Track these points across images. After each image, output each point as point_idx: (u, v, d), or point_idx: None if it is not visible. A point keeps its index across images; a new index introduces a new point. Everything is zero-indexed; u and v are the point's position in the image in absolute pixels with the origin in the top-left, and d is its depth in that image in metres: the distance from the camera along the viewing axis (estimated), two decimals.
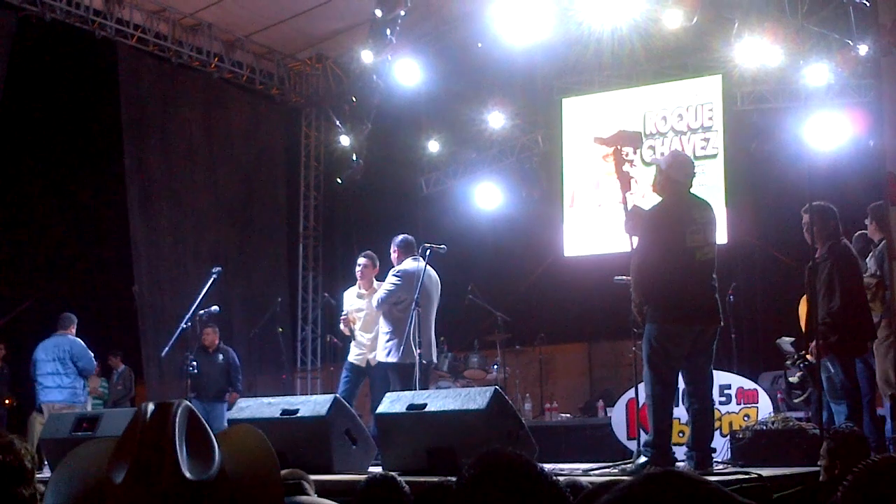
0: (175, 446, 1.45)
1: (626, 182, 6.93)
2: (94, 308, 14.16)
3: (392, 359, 8.94)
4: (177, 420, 1.47)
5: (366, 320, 9.56)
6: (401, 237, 9.35)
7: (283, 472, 4.24)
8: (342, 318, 9.72)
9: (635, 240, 6.76)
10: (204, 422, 1.53)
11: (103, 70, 13.58)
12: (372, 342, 9.45)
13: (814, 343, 7.24)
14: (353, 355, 9.61)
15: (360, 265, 9.66)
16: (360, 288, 9.69)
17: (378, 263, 9.74)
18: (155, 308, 13.62)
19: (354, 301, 9.68)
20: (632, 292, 6.64)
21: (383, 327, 9.11)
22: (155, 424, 1.47)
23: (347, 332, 9.69)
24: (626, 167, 6.94)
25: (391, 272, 9.10)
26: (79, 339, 11.72)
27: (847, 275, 7.40)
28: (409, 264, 9.04)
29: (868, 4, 6.94)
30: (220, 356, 11.96)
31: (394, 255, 9.24)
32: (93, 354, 11.85)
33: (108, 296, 14.35)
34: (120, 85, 13.60)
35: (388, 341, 9.00)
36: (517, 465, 2.10)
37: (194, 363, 10.08)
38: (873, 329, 7.56)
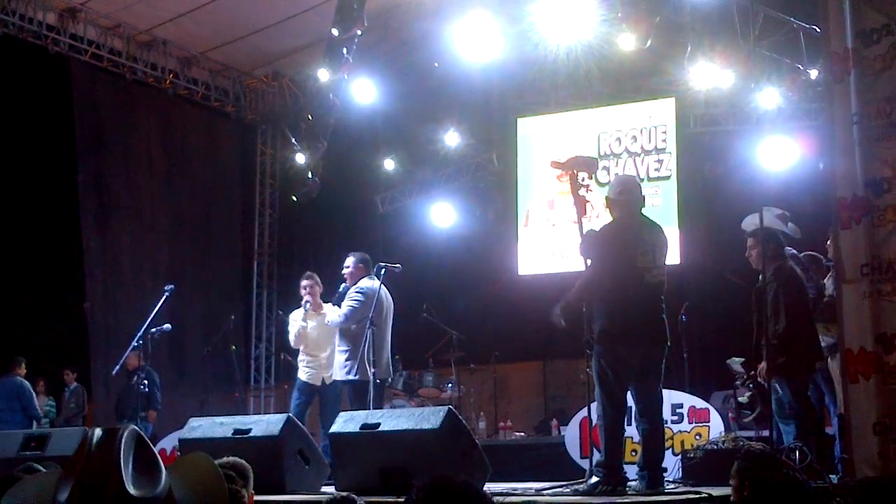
0: (120, 466, 1.45)
1: (581, 206, 6.99)
2: (45, 325, 14.01)
3: (351, 377, 8.88)
4: (123, 443, 1.48)
5: (317, 339, 9.50)
6: (360, 254, 9.28)
7: (228, 459, 4.21)
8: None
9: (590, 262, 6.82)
10: (151, 445, 1.54)
11: (57, 86, 13.46)
12: (326, 360, 9.40)
13: (762, 364, 7.34)
14: (306, 375, 9.52)
15: (305, 286, 9.58)
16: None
17: (320, 282, 9.68)
18: (107, 325, 13.47)
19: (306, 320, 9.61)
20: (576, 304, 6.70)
21: (340, 345, 9.02)
22: (102, 448, 1.48)
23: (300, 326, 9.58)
24: (581, 192, 6.99)
25: (353, 290, 8.96)
26: (27, 383, 12.77)
27: (792, 297, 7.50)
28: (368, 282, 8.99)
29: (819, 30, 7.06)
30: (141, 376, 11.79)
31: (354, 272, 9.13)
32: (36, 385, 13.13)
33: (59, 313, 14.18)
34: (74, 101, 13.50)
35: (346, 360, 8.91)
36: (465, 493, 2.12)
37: (145, 381, 9.97)
38: (820, 350, 7.67)
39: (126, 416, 11.66)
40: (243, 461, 4.30)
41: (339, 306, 9.05)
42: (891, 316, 5.54)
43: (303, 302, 9.58)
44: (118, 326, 13.20)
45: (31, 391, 12.75)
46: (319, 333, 9.49)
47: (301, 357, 9.65)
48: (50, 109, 13.88)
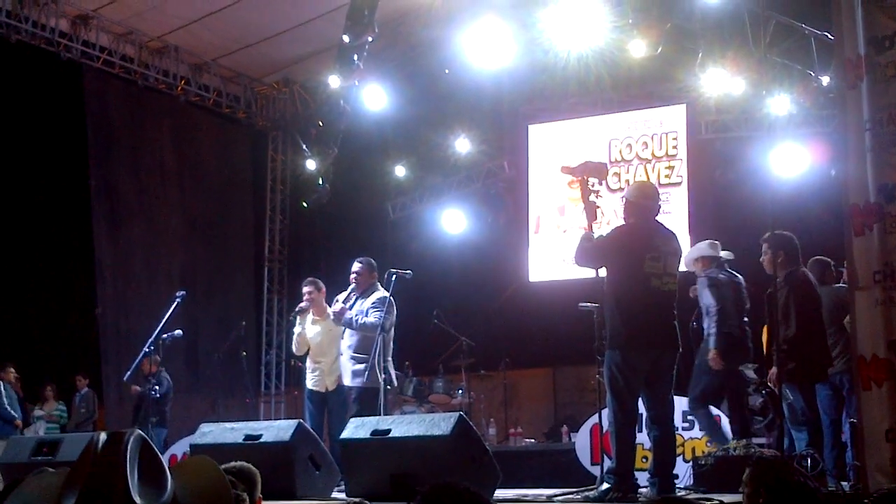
0: (126, 473, 1.45)
1: (592, 212, 6.97)
2: (56, 330, 14.06)
3: (357, 383, 8.83)
4: (128, 448, 1.47)
5: (321, 345, 9.46)
6: (368, 259, 9.19)
7: (234, 464, 4.23)
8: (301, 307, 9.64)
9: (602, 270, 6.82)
10: (157, 451, 1.53)
11: (69, 92, 13.52)
12: (330, 366, 9.38)
13: (773, 370, 7.31)
14: (312, 382, 9.52)
15: (306, 293, 9.57)
16: (312, 314, 9.60)
17: (324, 287, 9.65)
18: (119, 330, 13.51)
19: (309, 328, 9.59)
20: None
21: (357, 352, 8.91)
22: (107, 453, 1.47)
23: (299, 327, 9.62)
24: (592, 197, 6.98)
25: (377, 298, 8.83)
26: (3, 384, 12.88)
27: (804, 302, 7.47)
28: (382, 290, 8.93)
29: (830, 37, 7.07)
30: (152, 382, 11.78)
31: (365, 277, 9.07)
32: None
33: (71, 318, 14.23)
34: (86, 107, 13.56)
35: (360, 365, 8.83)
36: (466, 498, 2.12)
37: (157, 387, 9.98)
38: (830, 356, 7.64)
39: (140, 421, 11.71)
40: (250, 465, 4.30)
41: (345, 303, 8.98)
42: None
43: (297, 309, 9.62)
44: (130, 332, 13.23)
45: (2, 392, 12.85)
46: (323, 339, 9.45)
47: (307, 363, 9.64)
48: (62, 116, 13.94)
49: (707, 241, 9.05)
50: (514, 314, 14.03)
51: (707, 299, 8.52)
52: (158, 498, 1.48)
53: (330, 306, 9.33)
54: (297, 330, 9.64)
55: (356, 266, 9.11)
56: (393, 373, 9.10)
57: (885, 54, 5.76)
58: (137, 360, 9.58)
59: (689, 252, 8.94)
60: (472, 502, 2.15)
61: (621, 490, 6.36)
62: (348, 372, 8.93)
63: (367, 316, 8.77)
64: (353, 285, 9.07)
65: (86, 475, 1.47)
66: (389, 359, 8.92)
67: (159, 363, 10.38)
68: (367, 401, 8.65)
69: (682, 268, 7.28)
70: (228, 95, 14.91)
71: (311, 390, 9.50)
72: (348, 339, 8.97)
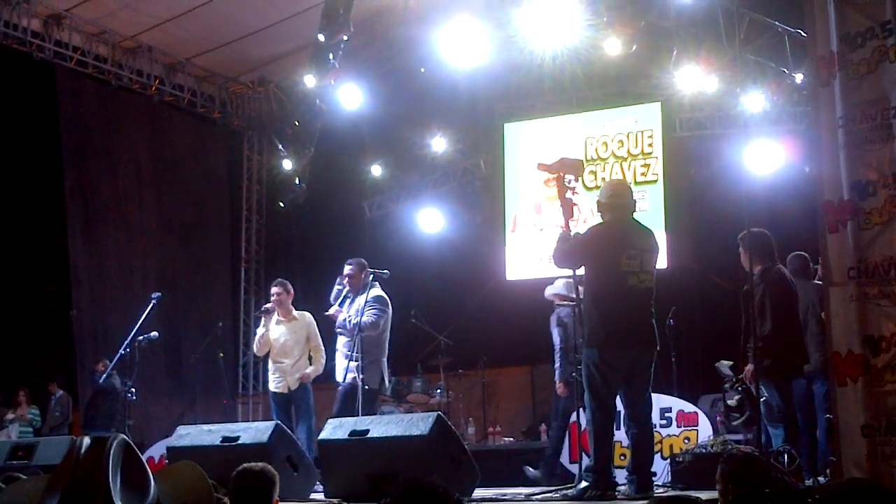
0: (108, 477, 1.44)
1: (568, 209, 6.98)
2: (31, 332, 13.94)
3: (349, 380, 8.83)
4: (111, 453, 1.47)
5: (284, 346, 9.51)
6: (358, 259, 9.26)
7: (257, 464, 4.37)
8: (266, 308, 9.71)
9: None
10: (140, 456, 1.52)
11: (42, 92, 13.42)
12: (291, 367, 9.42)
13: (748, 367, 7.34)
14: (274, 384, 9.58)
15: (274, 293, 9.61)
16: (278, 315, 9.62)
17: (292, 289, 9.68)
18: (95, 333, 13.43)
19: (273, 328, 9.61)
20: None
21: (349, 350, 8.91)
22: (90, 457, 1.46)
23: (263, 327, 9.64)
24: (568, 194, 6.99)
25: (372, 296, 8.88)
26: None
27: (779, 299, 7.51)
28: (378, 287, 8.97)
29: (805, 35, 7.11)
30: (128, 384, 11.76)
31: (359, 279, 9.06)
32: None
33: (46, 321, 14.12)
34: (59, 107, 13.48)
35: (353, 363, 8.83)
36: (435, 494, 2.13)
37: (133, 389, 9.96)
38: (806, 352, 7.68)
39: (95, 426, 11.65)
40: (270, 467, 4.43)
41: (340, 306, 9.03)
42: (877, 318, 5.55)
43: (262, 309, 9.68)
44: (105, 334, 13.16)
45: None
46: (286, 340, 9.52)
47: (269, 365, 9.69)
48: (35, 116, 13.82)
49: (565, 281, 9.31)
50: (491, 313, 14.03)
51: (554, 336, 9.57)
52: (141, 502, 1.48)
53: (295, 310, 9.58)
54: (260, 331, 9.74)
55: (347, 268, 9.18)
56: (386, 372, 9.18)
57: (857, 51, 5.80)
58: (112, 363, 9.55)
59: (551, 286, 9.77)
60: (442, 498, 2.16)
61: (599, 488, 6.38)
62: (341, 369, 9.04)
63: (362, 316, 8.81)
64: (346, 288, 9.11)
65: (68, 479, 1.46)
66: (384, 359, 8.99)
67: (108, 366, 10.38)
68: (350, 399, 8.67)
69: (660, 264, 7.29)
70: (203, 95, 14.85)
71: (275, 392, 9.58)
72: (343, 338, 9.04)
